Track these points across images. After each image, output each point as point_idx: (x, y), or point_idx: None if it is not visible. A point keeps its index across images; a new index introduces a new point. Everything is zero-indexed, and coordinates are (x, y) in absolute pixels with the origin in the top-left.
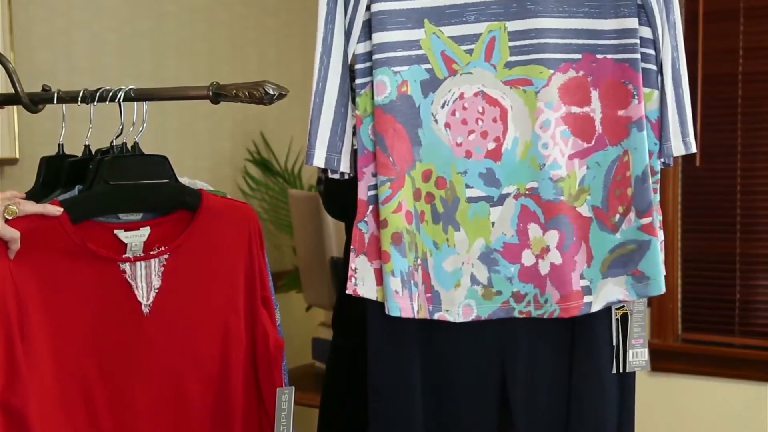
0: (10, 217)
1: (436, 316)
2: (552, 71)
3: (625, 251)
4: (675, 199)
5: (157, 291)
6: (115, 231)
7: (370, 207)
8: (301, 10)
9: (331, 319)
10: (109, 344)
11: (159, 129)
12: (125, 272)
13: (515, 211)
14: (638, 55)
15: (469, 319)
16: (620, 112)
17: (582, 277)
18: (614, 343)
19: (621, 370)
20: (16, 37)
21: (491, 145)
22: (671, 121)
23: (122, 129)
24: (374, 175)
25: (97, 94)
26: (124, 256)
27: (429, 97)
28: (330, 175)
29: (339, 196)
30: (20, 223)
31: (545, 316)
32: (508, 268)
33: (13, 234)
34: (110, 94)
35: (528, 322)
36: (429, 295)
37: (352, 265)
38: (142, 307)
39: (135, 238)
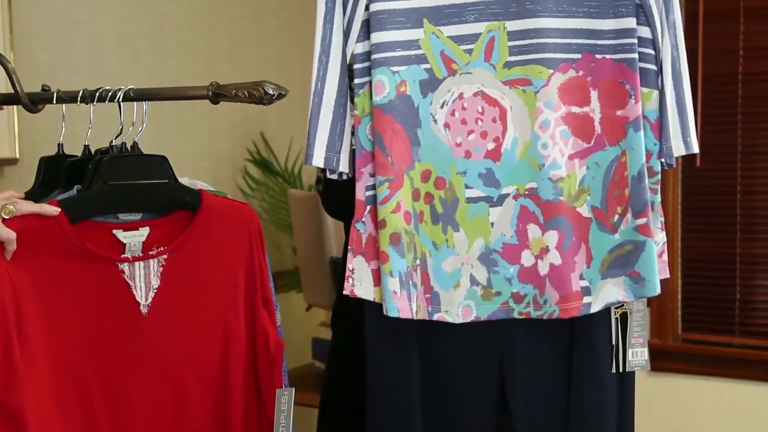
0: (7, 217)
1: (436, 317)
2: (551, 71)
3: (624, 252)
4: (675, 199)
5: (155, 291)
6: (114, 231)
7: (368, 207)
8: (301, 10)
9: (330, 319)
10: (107, 344)
11: (159, 129)
12: (124, 272)
13: (514, 211)
14: (636, 55)
15: (469, 319)
16: (618, 112)
17: (581, 277)
18: (614, 343)
19: (621, 370)
20: (16, 37)
21: (491, 146)
22: (671, 121)
23: (122, 129)
24: (372, 175)
25: (97, 94)
26: (122, 256)
27: (428, 97)
28: (328, 175)
29: (337, 195)
30: (17, 223)
31: (545, 317)
32: (508, 268)
33: (10, 234)
34: (110, 94)
35: (527, 322)
36: (428, 295)
37: (349, 265)
38: (141, 307)
39: (134, 238)
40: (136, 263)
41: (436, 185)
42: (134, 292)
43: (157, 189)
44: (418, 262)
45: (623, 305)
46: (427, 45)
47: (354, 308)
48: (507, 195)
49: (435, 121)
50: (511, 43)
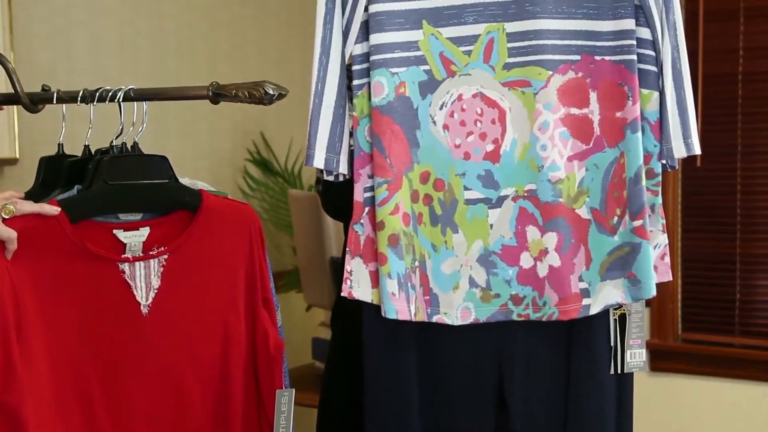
0: (7, 217)
1: (435, 319)
2: (551, 72)
3: (622, 253)
4: (675, 200)
5: (156, 291)
6: (114, 231)
7: (366, 209)
8: (301, 10)
9: (330, 319)
10: (107, 344)
11: (159, 129)
12: (124, 272)
13: (513, 213)
14: (634, 57)
15: (468, 321)
16: (617, 114)
17: (581, 279)
18: (612, 344)
19: (619, 371)
20: (16, 37)
21: (490, 147)
22: (672, 123)
23: (122, 129)
24: (370, 176)
25: (97, 94)
26: (122, 256)
27: (427, 99)
28: (325, 177)
29: (335, 196)
30: (17, 223)
31: (544, 319)
32: (507, 270)
33: (10, 234)
34: (110, 94)
35: (526, 323)
36: (427, 297)
37: (347, 267)
38: (141, 307)
39: (134, 238)
40: (137, 263)
41: (435, 187)
42: (135, 292)
43: (157, 189)
44: (416, 263)
45: (622, 307)
46: (426, 46)
47: (354, 308)
48: (506, 197)
49: (434, 122)
50: (510, 45)
